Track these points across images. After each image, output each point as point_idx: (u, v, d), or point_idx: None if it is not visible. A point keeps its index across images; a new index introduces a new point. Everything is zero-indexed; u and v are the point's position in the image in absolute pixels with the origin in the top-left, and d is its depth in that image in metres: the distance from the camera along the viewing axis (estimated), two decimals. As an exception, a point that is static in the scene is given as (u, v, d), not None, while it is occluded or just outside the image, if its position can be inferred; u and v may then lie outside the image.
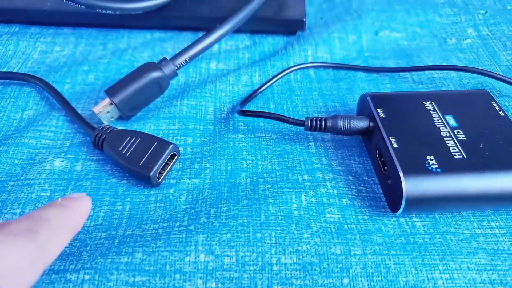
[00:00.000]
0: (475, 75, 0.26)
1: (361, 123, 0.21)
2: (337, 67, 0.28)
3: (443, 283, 0.17)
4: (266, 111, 0.24)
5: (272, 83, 0.26)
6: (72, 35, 0.31)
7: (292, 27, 0.30)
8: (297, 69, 0.28)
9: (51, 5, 0.31)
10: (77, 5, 0.27)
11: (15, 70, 0.28)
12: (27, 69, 0.28)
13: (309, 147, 0.23)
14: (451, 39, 0.31)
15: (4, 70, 0.28)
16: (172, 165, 0.21)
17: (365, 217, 0.19)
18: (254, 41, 0.31)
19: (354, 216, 0.19)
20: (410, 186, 0.18)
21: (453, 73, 0.27)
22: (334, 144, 0.23)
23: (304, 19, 0.30)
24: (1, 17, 0.32)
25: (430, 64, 0.28)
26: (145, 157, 0.20)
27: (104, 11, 0.28)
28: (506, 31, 0.31)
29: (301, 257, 0.18)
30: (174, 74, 0.25)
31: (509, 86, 0.25)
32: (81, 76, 0.27)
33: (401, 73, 0.28)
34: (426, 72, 0.28)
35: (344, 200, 0.20)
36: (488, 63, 0.29)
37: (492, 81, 0.26)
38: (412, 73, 0.28)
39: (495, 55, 0.29)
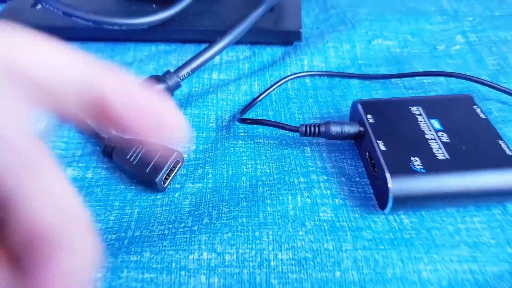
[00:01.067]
0: (462, 80, 0.28)
1: (352, 129, 0.23)
2: (331, 75, 0.29)
3: (427, 274, 0.18)
4: (265, 118, 0.26)
5: (270, 91, 0.28)
6: (81, 49, 0.33)
7: (289, 38, 0.32)
8: (293, 78, 0.29)
9: (61, 22, 0.33)
10: (86, 22, 0.29)
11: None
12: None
13: (305, 151, 0.24)
14: (440, 46, 0.32)
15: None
16: (177, 171, 0.23)
17: (356, 215, 0.21)
18: (254, 52, 0.32)
19: (346, 215, 0.21)
20: (396, 185, 0.20)
21: (441, 79, 0.29)
22: (328, 148, 0.24)
23: (301, 30, 0.31)
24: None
25: (421, 70, 0.30)
26: (151, 164, 0.22)
27: (111, 27, 0.29)
28: (492, 37, 0.32)
29: (296, 253, 0.19)
30: (178, 85, 0.26)
31: (493, 90, 0.27)
32: (91, 88, 0.29)
33: (392, 80, 0.29)
34: (416, 78, 0.29)
35: (336, 200, 0.21)
36: (475, 68, 0.30)
37: (477, 85, 0.28)
38: (403, 79, 0.29)
39: (482, 60, 0.30)
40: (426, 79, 0.29)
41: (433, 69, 0.30)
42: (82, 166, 0.24)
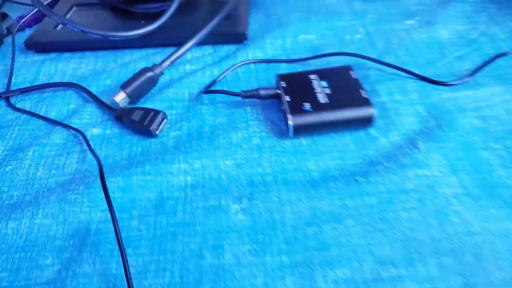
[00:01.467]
0: (354, 57, 0.41)
1: (272, 91, 0.36)
2: (267, 61, 0.43)
3: (313, 167, 0.31)
4: (220, 89, 0.39)
5: (226, 74, 0.41)
6: (92, 56, 0.46)
7: (239, 38, 0.45)
8: (241, 65, 0.42)
9: (76, 37, 0.46)
10: (96, 35, 0.42)
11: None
12: (66, 80, 0.43)
13: (246, 108, 0.37)
14: (347, 36, 0.46)
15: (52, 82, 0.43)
16: (164, 124, 0.36)
17: (274, 140, 0.34)
18: (215, 49, 0.45)
19: (267, 140, 0.34)
20: (295, 120, 0.33)
21: (341, 57, 0.42)
22: (261, 106, 0.38)
23: (246, 32, 0.45)
24: (43, 48, 0.47)
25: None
26: (147, 120, 0.35)
27: (113, 39, 0.43)
28: (384, 28, 0.46)
29: (236, 161, 0.32)
30: (161, 73, 0.40)
31: (373, 63, 0.40)
32: (102, 81, 0.42)
33: (309, 61, 0.42)
34: (325, 58, 0.42)
35: (263, 133, 0.35)
36: (369, 50, 0.43)
37: (364, 60, 0.41)
38: (316, 60, 0.42)
39: (374, 45, 0.44)
40: (331, 59, 0.42)
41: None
42: (102, 127, 0.37)
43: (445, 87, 0.38)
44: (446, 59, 0.41)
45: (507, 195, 0.29)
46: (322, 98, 0.34)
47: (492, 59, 0.40)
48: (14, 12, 0.54)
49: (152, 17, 0.46)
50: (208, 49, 0.46)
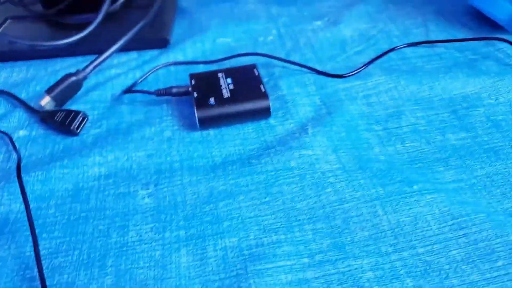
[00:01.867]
0: (263, 57, 0.46)
1: (183, 88, 0.40)
2: (186, 63, 0.47)
3: (216, 152, 0.35)
4: (140, 89, 0.43)
5: (147, 76, 0.45)
6: (24, 65, 0.49)
7: (162, 43, 0.49)
8: (162, 67, 0.46)
9: (6, 47, 0.48)
10: (24, 45, 0.45)
11: (-10, 90, 0.45)
12: (-2, 88, 0.46)
13: (163, 106, 0.41)
14: (260, 38, 0.50)
15: (-17, 90, 0.45)
16: (84, 123, 0.39)
17: (184, 133, 0.38)
18: (140, 54, 0.49)
19: (178, 133, 0.38)
20: (200, 113, 0.37)
21: (253, 57, 0.47)
22: (176, 103, 0.42)
23: (168, 37, 0.49)
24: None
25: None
26: (68, 120, 0.38)
27: (41, 48, 0.46)
28: (295, 29, 0.51)
29: (146, 152, 0.36)
30: (85, 77, 0.43)
31: (278, 61, 0.45)
32: (32, 88, 0.45)
33: (223, 61, 0.47)
34: (238, 58, 0.47)
35: (175, 127, 0.38)
36: (280, 50, 0.48)
37: (272, 60, 0.46)
38: (230, 60, 0.47)
39: (284, 44, 0.49)
40: (244, 59, 0.47)
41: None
42: (28, 129, 0.40)
43: (339, 79, 0.43)
44: (346, 54, 0.46)
45: (376, 168, 0.34)
46: (225, 93, 0.38)
47: (385, 53, 0.46)
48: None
49: (82, 27, 0.49)
50: (133, 54, 0.49)
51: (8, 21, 0.55)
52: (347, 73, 0.43)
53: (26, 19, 0.55)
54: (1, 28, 0.53)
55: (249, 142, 0.37)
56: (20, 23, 0.54)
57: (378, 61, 0.45)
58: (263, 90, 0.39)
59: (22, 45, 0.45)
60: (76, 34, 0.47)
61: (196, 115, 0.37)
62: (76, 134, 0.39)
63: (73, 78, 0.42)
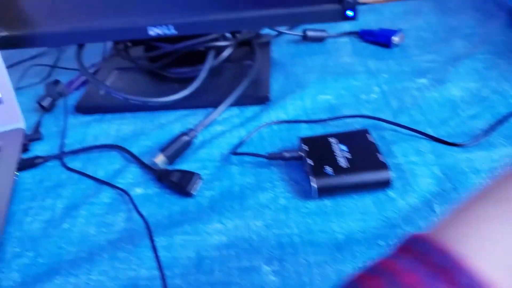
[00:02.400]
0: (368, 119, 0.45)
1: (296, 153, 0.40)
2: (289, 122, 0.47)
3: (337, 226, 0.34)
4: (248, 151, 0.43)
5: (252, 135, 0.45)
6: (132, 117, 0.51)
7: (262, 100, 0.50)
8: (266, 125, 0.47)
9: (119, 101, 0.51)
10: (137, 102, 0.48)
11: (103, 143, 0.48)
12: (110, 141, 0.48)
13: (272, 169, 0.41)
14: (362, 95, 0.49)
15: (97, 144, 0.48)
16: (199, 185, 0.40)
17: (298, 201, 0.37)
18: (241, 110, 0.50)
19: (292, 201, 0.37)
20: (318, 183, 0.36)
21: (358, 119, 0.46)
22: (286, 166, 0.41)
23: (268, 95, 0.49)
24: (89, 111, 0.53)
25: (347, 114, 0.47)
26: (184, 180, 0.39)
27: (152, 104, 0.48)
28: (398, 87, 0.50)
29: (265, 222, 0.36)
30: (195, 136, 0.44)
31: (388, 124, 0.44)
32: (142, 142, 0.47)
33: (329, 122, 0.46)
34: (343, 119, 0.46)
35: (288, 194, 0.38)
36: (384, 109, 0.47)
37: (379, 122, 0.44)
38: (334, 121, 0.46)
39: (388, 104, 0.47)
40: (348, 120, 0.46)
41: (356, 113, 0.47)
42: (144, 187, 0.41)
43: (459, 148, 0.41)
44: (459, 117, 0.44)
45: None
46: (342, 162, 0.38)
47: (505, 118, 0.43)
48: (62, 76, 0.60)
49: (184, 80, 0.51)
50: (235, 110, 0.50)
51: (115, 71, 0.59)
52: (467, 142, 0.41)
53: (130, 70, 0.58)
54: (109, 78, 0.57)
55: (370, 217, 0.35)
56: (125, 74, 0.58)
57: (499, 128, 0.42)
58: (381, 159, 0.37)
59: (134, 102, 0.48)
60: (180, 89, 0.49)
61: (315, 184, 0.36)
62: (191, 196, 0.39)
63: (186, 138, 0.43)
